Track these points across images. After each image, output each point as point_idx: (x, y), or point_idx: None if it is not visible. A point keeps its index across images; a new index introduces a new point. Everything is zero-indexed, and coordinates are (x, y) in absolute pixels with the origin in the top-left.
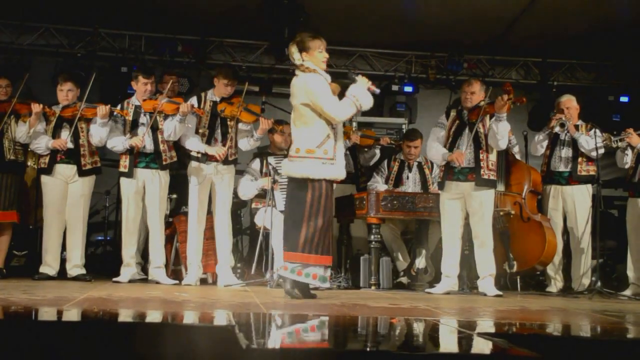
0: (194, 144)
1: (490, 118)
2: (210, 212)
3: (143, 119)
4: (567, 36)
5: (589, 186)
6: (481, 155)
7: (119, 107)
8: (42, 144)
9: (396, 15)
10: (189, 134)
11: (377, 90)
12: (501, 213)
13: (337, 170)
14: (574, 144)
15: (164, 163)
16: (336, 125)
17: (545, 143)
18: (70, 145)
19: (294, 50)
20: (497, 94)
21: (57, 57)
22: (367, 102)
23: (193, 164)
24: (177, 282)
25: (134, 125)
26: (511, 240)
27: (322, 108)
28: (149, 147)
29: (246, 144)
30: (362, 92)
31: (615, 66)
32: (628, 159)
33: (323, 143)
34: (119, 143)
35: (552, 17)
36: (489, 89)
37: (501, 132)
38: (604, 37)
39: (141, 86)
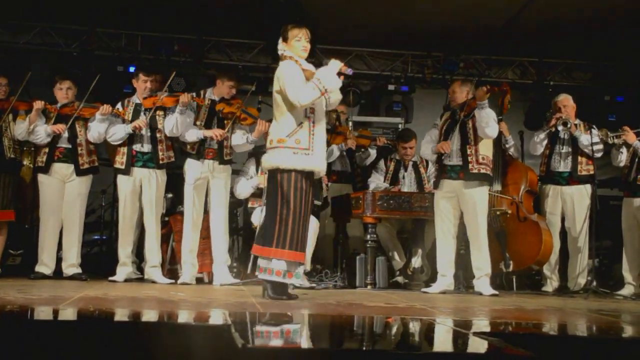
0: (193, 134)
1: None
2: (206, 212)
3: (142, 117)
4: (564, 36)
5: (588, 186)
6: (469, 151)
7: (119, 105)
8: (42, 131)
9: (393, 15)
10: (188, 129)
11: (350, 70)
12: (498, 213)
13: (312, 161)
14: (573, 142)
15: (161, 162)
16: (313, 115)
17: (545, 142)
18: (66, 140)
19: (279, 41)
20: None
21: (54, 57)
22: (332, 84)
23: (189, 163)
24: (173, 281)
25: None
26: (507, 240)
27: (286, 93)
28: (147, 146)
29: (241, 144)
30: (326, 75)
31: (611, 66)
32: (623, 157)
33: (295, 132)
34: (119, 130)
35: (548, 17)
36: (472, 83)
37: (484, 119)
38: (601, 37)
39: (141, 84)
